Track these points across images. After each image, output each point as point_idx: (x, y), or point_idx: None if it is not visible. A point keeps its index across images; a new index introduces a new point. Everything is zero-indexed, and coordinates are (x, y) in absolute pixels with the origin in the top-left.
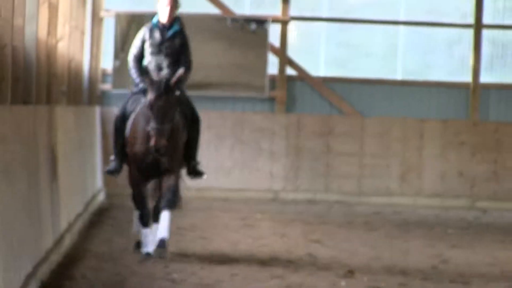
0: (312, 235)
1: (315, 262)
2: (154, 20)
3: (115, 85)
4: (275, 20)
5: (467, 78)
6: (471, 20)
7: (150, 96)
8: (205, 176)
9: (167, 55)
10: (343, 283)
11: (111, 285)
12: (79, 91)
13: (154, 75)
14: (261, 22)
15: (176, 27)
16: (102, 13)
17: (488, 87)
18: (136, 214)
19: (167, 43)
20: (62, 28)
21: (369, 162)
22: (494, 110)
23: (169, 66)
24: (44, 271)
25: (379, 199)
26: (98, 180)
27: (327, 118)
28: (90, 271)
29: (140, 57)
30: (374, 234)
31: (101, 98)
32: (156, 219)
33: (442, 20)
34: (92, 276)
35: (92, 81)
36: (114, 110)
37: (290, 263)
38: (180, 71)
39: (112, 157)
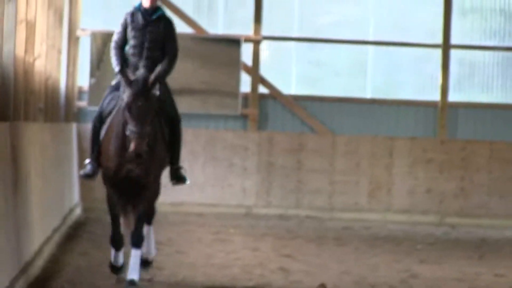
0: (283, 249)
1: (287, 276)
2: (137, 4)
3: (91, 102)
4: (247, 40)
5: (436, 96)
6: (439, 40)
7: (127, 96)
8: (188, 182)
9: (151, 40)
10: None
11: None
12: (56, 108)
13: (132, 71)
14: (234, 41)
15: (160, 11)
16: (78, 32)
17: (456, 105)
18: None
19: (150, 27)
20: (39, 46)
21: (339, 178)
22: (462, 128)
23: (152, 52)
24: (22, 285)
25: (349, 214)
26: (75, 195)
27: (299, 135)
28: (68, 284)
29: (122, 43)
30: (344, 249)
31: (77, 115)
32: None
33: (411, 39)
34: None
35: (69, 98)
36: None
37: (262, 277)
38: (159, 68)
39: (87, 160)
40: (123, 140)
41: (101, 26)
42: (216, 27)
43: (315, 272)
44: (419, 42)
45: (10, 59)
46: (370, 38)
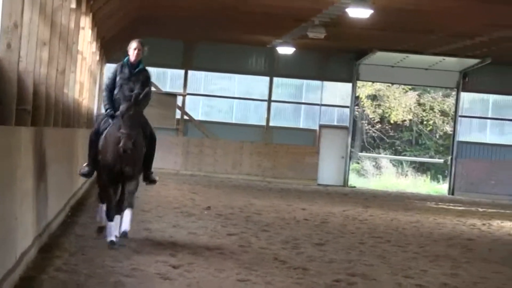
0: (192, 190)
1: (194, 202)
2: (125, 60)
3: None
4: (180, 94)
5: None
6: None
7: (122, 107)
8: (157, 183)
9: (130, 90)
10: (205, 212)
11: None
12: (90, 122)
13: (124, 97)
14: (173, 95)
15: (141, 66)
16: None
17: None
18: (100, 207)
19: (134, 77)
20: (85, 93)
21: (221, 159)
22: None
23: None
24: (44, 239)
25: (221, 175)
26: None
27: (200, 139)
28: (80, 228)
29: (112, 87)
30: (222, 190)
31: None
32: (117, 213)
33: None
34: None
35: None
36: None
37: (182, 202)
38: (146, 90)
39: (85, 164)
40: (116, 145)
41: None
42: (166, 88)
43: (208, 200)
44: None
45: (71, 99)
46: (235, 95)
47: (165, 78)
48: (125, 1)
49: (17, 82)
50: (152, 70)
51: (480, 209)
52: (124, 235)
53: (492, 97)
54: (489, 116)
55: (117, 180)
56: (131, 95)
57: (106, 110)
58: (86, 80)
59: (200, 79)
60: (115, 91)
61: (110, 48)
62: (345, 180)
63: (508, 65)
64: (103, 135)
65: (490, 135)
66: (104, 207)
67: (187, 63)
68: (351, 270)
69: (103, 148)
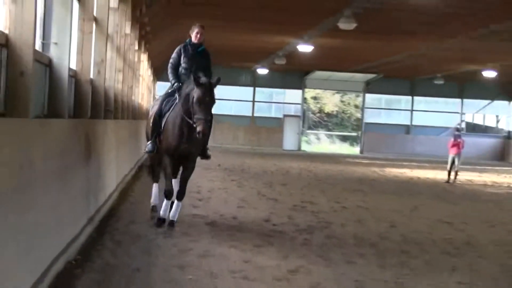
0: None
1: (210, 162)
2: (187, 41)
3: None
4: None
5: None
6: None
7: (198, 93)
8: (210, 157)
9: (197, 66)
10: (217, 167)
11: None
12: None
13: (198, 83)
14: None
15: (203, 47)
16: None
17: None
18: (154, 188)
19: (198, 56)
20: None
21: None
22: None
23: (196, 71)
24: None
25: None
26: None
27: None
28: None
29: (177, 65)
30: (227, 154)
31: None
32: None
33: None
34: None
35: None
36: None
37: (201, 163)
38: (218, 77)
39: (149, 142)
40: (181, 128)
41: None
42: None
43: (219, 160)
44: None
45: (136, 103)
46: (233, 98)
47: None
48: (167, 44)
49: (104, 93)
50: None
51: (378, 162)
52: (171, 223)
53: (383, 97)
54: (383, 107)
55: (179, 160)
56: (206, 83)
57: (173, 85)
58: (145, 91)
59: None
60: (181, 68)
61: (158, 73)
62: (299, 147)
63: (393, 78)
64: (166, 116)
65: (382, 118)
66: (156, 186)
67: None
68: (303, 199)
69: (169, 129)
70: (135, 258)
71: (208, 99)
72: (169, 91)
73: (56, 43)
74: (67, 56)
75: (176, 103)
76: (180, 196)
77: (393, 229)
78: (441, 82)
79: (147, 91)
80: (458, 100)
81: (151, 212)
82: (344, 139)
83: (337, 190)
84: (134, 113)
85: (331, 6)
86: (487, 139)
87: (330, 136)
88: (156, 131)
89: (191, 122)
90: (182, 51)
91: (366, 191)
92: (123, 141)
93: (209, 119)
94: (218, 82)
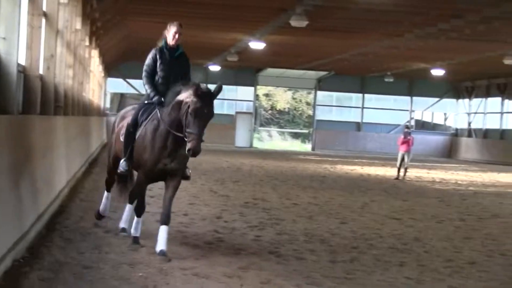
0: None
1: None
2: (163, 43)
3: (109, 111)
4: None
5: None
6: None
7: (197, 103)
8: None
9: (174, 71)
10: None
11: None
12: (101, 112)
13: (197, 94)
14: None
15: (181, 50)
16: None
17: None
18: (105, 196)
19: (175, 62)
20: (98, 99)
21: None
22: None
23: (175, 80)
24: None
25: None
26: (94, 148)
27: None
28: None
29: (152, 73)
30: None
31: (104, 114)
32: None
33: None
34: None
35: (103, 110)
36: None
37: None
38: (218, 84)
39: (122, 160)
40: (165, 141)
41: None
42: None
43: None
44: None
45: (87, 99)
46: None
47: None
48: (118, 40)
49: (54, 89)
50: None
51: (330, 159)
52: (162, 254)
53: (335, 94)
54: (333, 104)
55: (157, 178)
56: (207, 93)
57: (152, 98)
58: (96, 87)
59: None
60: (157, 76)
61: (109, 68)
62: (251, 144)
63: (344, 75)
64: (143, 127)
65: (334, 116)
66: (109, 195)
67: None
68: (255, 195)
69: (143, 142)
70: (84, 255)
71: (206, 111)
72: (145, 102)
73: (4, 38)
74: (16, 51)
75: (155, 113)
76: (166, 220)
77: (343, 225)
78: (391, 79)
79: (98, 87)
80: (408, 98)
81: (96, 218)
82: (296, 136)
83: (288, 187)
84: (84, 109)
85: (283, 3)
86: (435, 137)
87: (282, 133)
88: (130, 145)
89: (179, 135)
90: (158, 56)
91: (317, 188)
92: (73, 138)
93: (202, 134)
94: (220, 91)
